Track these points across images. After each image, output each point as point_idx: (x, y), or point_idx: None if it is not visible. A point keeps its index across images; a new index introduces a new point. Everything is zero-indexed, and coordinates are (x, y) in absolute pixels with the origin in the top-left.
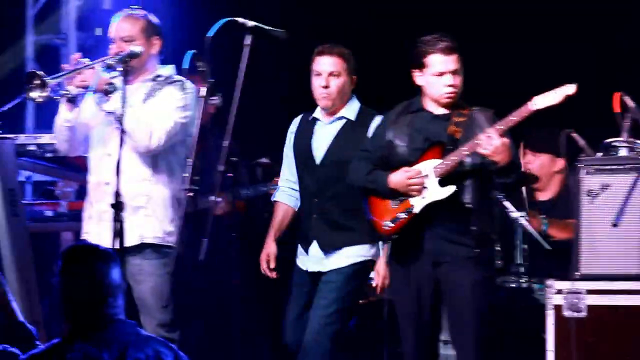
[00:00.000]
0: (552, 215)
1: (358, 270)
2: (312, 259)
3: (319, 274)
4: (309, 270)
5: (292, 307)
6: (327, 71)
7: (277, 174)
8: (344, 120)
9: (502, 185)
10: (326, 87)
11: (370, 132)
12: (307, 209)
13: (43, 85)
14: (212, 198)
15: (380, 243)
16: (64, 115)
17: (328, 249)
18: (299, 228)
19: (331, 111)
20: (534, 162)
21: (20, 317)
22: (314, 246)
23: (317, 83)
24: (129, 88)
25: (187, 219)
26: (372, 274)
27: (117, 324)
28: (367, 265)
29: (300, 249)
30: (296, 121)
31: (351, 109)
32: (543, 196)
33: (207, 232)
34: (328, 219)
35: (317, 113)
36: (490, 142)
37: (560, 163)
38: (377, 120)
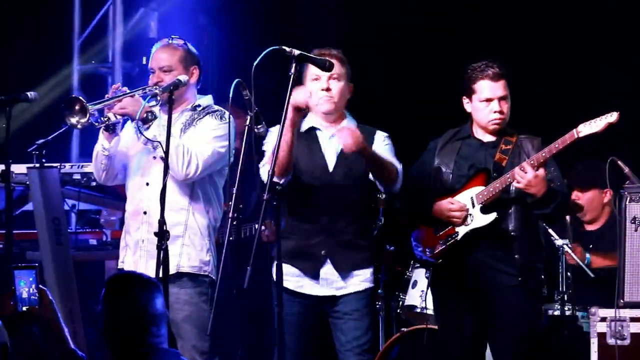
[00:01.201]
0: (599, 245)
1: (370, 296)
2: (324, 282)
3: (331, 298)
4: (317, 294)
5: (295, 339)
6: (324, 73)
7: None
8: None
9: (542, 216)
10: (328, 89)
11: (376, 146)
12: (311, 228)
13: (83, 111)
14: (256, 226)
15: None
16: (102, 143)
17: (345, 269)
18: (293, 249)
19: (333, 119)
20: (582, 198)
21: (72, 344)
22: (327, 268)
23: (315, 87)
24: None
25: (231, 247)
26: None
27: (160, 353)
28: (374, 290)
29: (297, 272)
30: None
31: (352, 120)
32: (592, 227)
33: (251, 260)
34: (342, 238)
35: (314, 122)
36: (524, 175)
37: (608, 195)
38: (380, 135)
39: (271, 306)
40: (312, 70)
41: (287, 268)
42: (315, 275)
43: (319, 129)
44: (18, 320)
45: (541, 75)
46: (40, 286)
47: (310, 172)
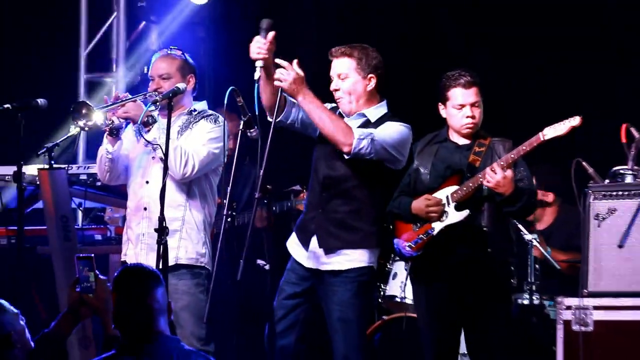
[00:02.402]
0: (549, 243)
1: (362, 282)
2: (311, 255)
3: (316, 273)
4: (305, 265)
5: (284, 292)
6: (334, 75)
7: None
8: (363, 119)
9: (509, 214)
10: (336, 90)
11: (383, 124)
12: (313, 201)
13: (90, 115)
14: (247, 218)
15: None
16: (106, 147)
17: (328, 248)
18: (300, 220)
19: (353, 111)
20: None
21: (114, 330)
22: (314, 243)
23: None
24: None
25: (226, 239)
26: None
27: (162, 339)
28: (370, 273)
29: (296, 240)
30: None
31: (374, 112)
32: (539, 226)
33: (244, 254)
34: (334, 217)
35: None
36: (493, 175)
37: (550, 196)
38: (395, 122)
39: (263, 296)
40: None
41: (294, 236)
42: (306, 248)
43: (343, 115)
44: (80, 307)
45: (511, 82)
46: (101, 276)
47: (323, 147)
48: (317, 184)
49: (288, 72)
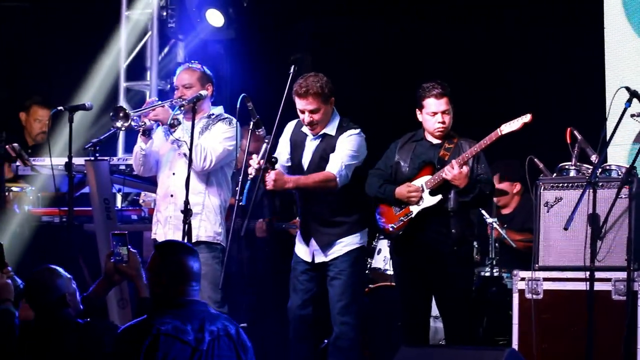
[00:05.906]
0: (511, 225)
1: (356, 257)
2: (314, 252)
3: (322, 264)
4: (311, 261)
5: (296, 288)
6: (307, 109)
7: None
8: (325, 137)
9: (464, 203)
10: (310, 123)
11: (339, 142)
12: (303, 209)
13: (126, 117)
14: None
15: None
16: (140, 145)
17: (326, 242)
18: (300, 222)
19: (320, 132)
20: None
21: (147, 294)
22: (313, 242)
23: (302, 118)
24: (190, 123)
25: (238, 236)
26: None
27: (194, 303)
28: (361, 251)
29: (300, 240)
30: (292, 124)
31: (332, 126)
32: (505, 211)
33: (247, 215)
34: (320, 218)
35: (305, 129)
36: (451, 170)
37: (517, 187)
38: (347, 133)
39: (269, 270)
40: (297, 104)
41: (298, 237)
42: (307, 245)
43: (307, 135)
44: (113, 274)
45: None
46: (132, 249)
47: (294, 168)
48: (300, 196)
49: (269, 176)
